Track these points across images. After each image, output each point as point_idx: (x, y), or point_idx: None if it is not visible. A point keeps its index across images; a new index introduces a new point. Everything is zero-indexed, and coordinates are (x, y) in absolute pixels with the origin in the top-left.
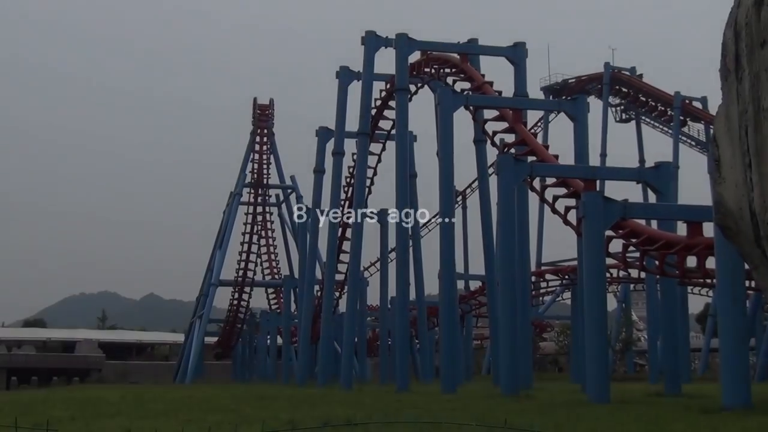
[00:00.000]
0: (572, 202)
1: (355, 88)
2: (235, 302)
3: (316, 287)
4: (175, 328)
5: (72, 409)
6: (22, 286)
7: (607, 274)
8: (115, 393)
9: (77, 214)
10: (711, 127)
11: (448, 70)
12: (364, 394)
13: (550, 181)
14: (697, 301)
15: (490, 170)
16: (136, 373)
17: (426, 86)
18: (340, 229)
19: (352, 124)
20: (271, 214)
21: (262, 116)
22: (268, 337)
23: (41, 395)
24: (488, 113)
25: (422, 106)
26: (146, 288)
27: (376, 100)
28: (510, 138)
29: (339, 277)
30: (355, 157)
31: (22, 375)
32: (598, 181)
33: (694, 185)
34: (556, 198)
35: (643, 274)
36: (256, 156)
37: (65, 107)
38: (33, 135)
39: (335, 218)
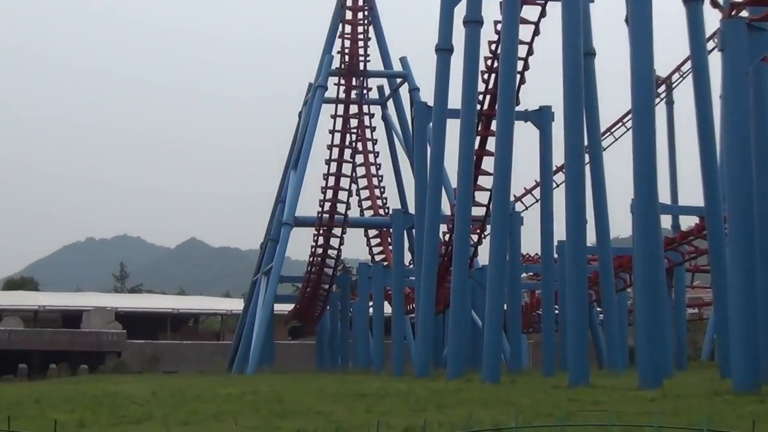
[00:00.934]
0: None
1: None
2: (320, 251)
3: (443, 227)
4: (229, 291)
5: (80, 411)
6: (3, 230)
7: None
8: (143, 387)
9: (79, 129)
10: None
11: None
12: (518, 391)
13: None
14: None
15: (710, 45)
16: (172, 358)
17: None
18: (479, 139)
19: None
20: (371, 116)
21: None
22: (370, 303)
23: (35, 390)
24: None
25: None
26: (185, 231)
27: None
28: None
29: (477, 211)
30: (499, 27)
31: (5, 360)
32: None
33: None
34: None
35: None
36: (348, 29)
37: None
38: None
39: (470, 121)
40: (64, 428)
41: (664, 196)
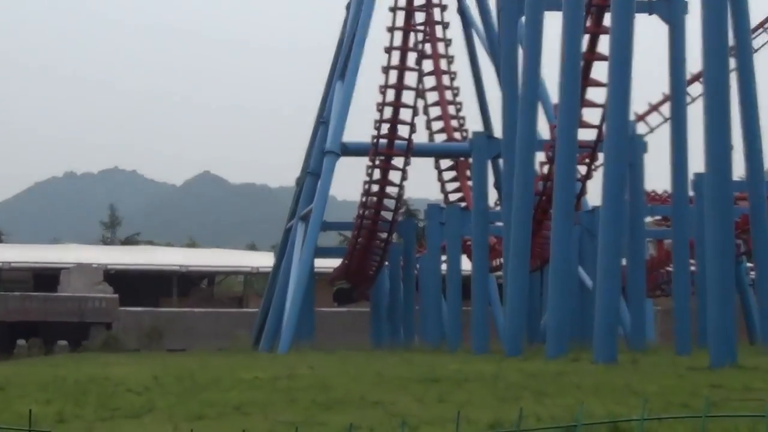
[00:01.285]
0: None
1: None
2: (376, 189)
3: (540, 156)
4: (254, 242)
5: (58, 401)
6: None
7: None
8: (141, 370)
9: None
10: None
11: None
12: (642, 374)
13: None
14: None
15: None
16: (179, 331)
17: None
18: (588, 38)
19: None
20: (444, 8)
21: None
22: (443, 258)
23: (2, 372)
24: None
25: None
26: (195, 165)
27: None
28: None
29: (586, 135)
30: None
31: None
32: None
33: None
34: None
35: None
36: None
37: None
38: None
39: (577, 14)
40: (37, 423)
41: None
